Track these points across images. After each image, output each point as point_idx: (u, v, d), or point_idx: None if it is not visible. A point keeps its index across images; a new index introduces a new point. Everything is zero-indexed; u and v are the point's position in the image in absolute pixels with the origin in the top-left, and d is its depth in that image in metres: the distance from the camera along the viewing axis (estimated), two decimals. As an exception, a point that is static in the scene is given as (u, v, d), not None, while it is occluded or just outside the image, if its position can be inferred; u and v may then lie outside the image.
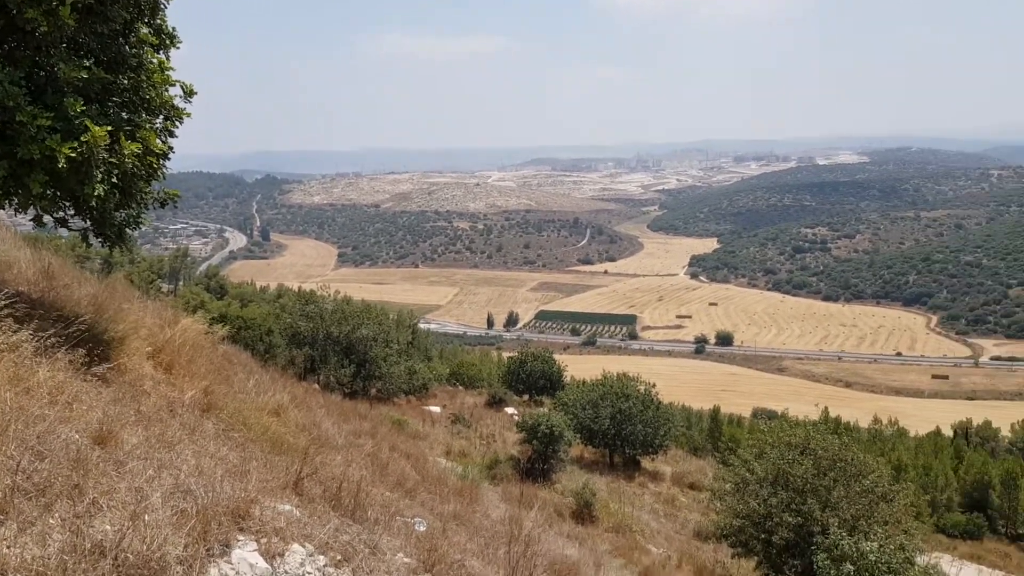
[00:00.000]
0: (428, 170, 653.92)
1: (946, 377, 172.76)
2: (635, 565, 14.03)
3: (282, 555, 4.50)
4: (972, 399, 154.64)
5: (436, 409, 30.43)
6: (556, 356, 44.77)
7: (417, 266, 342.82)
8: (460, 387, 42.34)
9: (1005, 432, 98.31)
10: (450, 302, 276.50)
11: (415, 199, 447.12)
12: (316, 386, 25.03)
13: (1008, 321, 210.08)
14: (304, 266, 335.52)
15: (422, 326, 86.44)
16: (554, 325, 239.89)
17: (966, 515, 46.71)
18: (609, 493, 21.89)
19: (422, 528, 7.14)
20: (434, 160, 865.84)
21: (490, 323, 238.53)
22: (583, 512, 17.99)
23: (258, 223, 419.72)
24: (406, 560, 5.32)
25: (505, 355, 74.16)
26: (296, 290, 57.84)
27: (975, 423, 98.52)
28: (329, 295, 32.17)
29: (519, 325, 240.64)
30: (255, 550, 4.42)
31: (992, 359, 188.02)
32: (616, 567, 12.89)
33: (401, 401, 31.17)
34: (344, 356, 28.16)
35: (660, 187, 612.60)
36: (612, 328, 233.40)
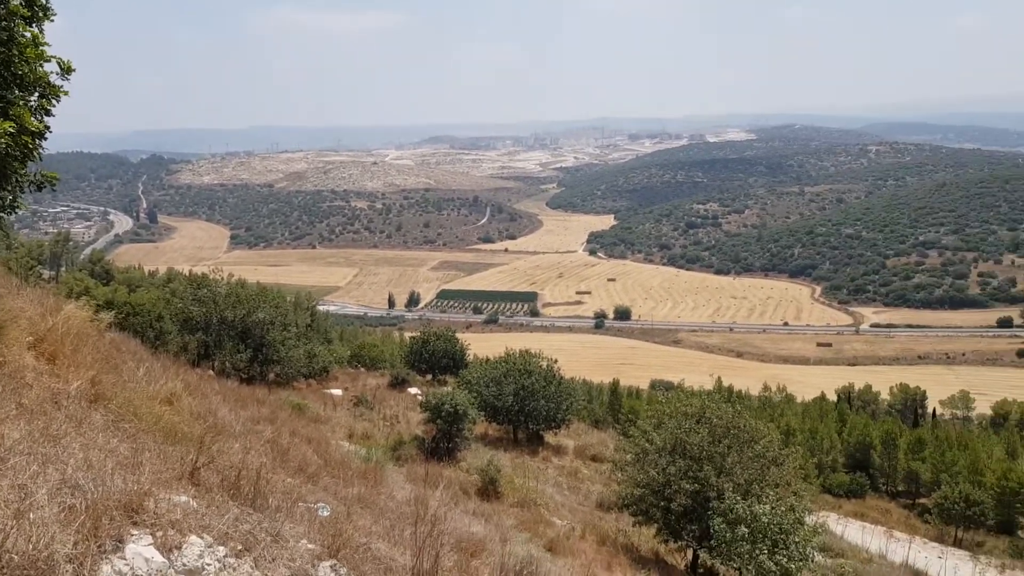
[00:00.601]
0: (323, 148, 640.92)
1: (830, 345, 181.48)
2: (540, 538, 14.25)
3: (179, 548, 4.36)
4: (854, 365, 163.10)
5: (338, 392, 30.03)
6: (459, 335, 44.81)
7: (314, 247, 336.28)
8: (362, 369, 41.89)
9: (884, 395, 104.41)
10: (349, 283, 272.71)
11: (310, 178, 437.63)
12: (211, 372, 24.31)
13: (886, 290, 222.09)
14: (195, 249, 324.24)
15: (321, 308, 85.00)
16: (456, 304, 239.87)
17: (850, 475, 49.38)
18: (514, 469, 22.12)
19: (326, 513, 7.05)
20: (329, 138, 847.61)
21: (391, 303, 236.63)
22: (488, 489, 18.12)
23: (145, 205, 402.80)
24: (310, 546, 5.24)
25: (407, 335, 73.75)
26: (187, 274, 55.83)
27: (857, 388, 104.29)
28: (222, 278, 31.21)
29: (421, 305, 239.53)
30: (150, 544, 4.27)
31: (872, 326, 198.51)
32: (522, 541, 13.06)
33: (301, 385, 30.62)
34: (240, 341, 27.42)
35: (558, 165, 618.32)
36: (514, 306, 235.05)
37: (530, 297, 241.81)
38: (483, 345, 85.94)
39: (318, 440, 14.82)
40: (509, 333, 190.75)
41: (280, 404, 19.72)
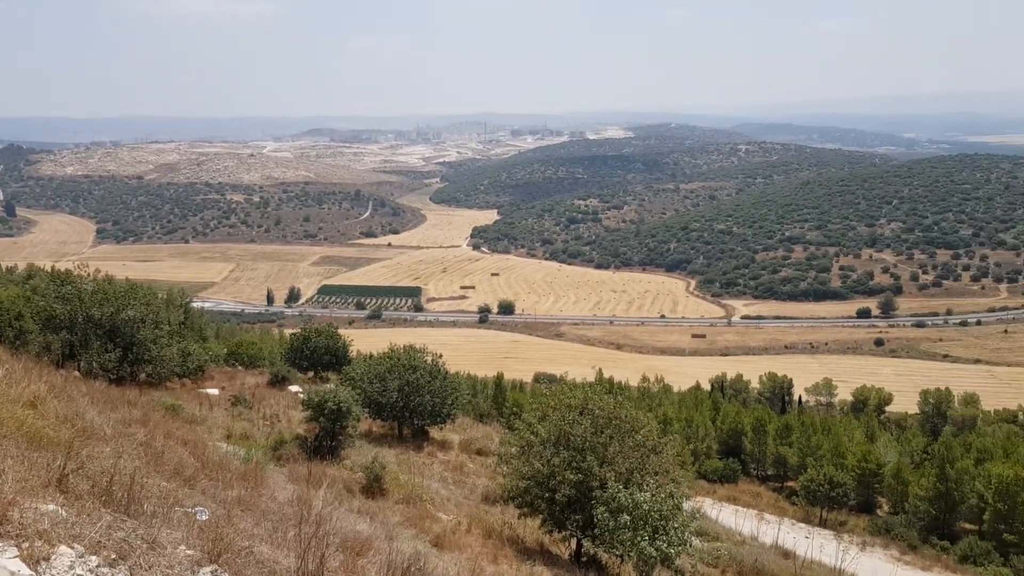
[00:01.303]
0: (197, 139, 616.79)
1: (704, 336, 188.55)
2: (426, 534, 14.22)
3: (48, 559, 4.13)
4: (726, 355, 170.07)
5: (214, 391, 29.04)
6: (341, 331, 44.12)
7: (188, 241, 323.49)
8: (240, 367, 40.62)
9: (754, 384, 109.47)
10: (226, 279, 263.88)
11: (183, 170, 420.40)
12: (77, 374, 23.05)
13: (755, 283, 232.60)
14: (58, 244, 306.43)
15: (195, 305, 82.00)
16: (338, 300, 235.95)
17: (723, 461, 51.48)
18: (399, 465, 21.98)
19: (205, 517, 6.82)
20: (201, 129, 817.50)
21: (270, 299, 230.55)
22: (373, 486, 17.94)
23: (1, 197, 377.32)
24: (189, 552, 5.06)
25: (287, 332, 72.11)
26: (49, 270, 52.68)
27: (729, 377, 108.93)
28: (88, 274, 29.58)
29: (301, 301, 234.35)
30: (16, 556, 4.03)
31: (743, 318, 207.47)
32: (408, 538, 13.01)
33: (175, 385, 29.46)
34: (108, 340, 26.09)
35: (441, 159, 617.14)
36: (398, 301, 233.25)
37: (414, 292, 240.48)
38: (367, 341, 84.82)
39: (194, 442, 14.29)
40: (393, 328, 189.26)
41: (153, 405, 18.90)
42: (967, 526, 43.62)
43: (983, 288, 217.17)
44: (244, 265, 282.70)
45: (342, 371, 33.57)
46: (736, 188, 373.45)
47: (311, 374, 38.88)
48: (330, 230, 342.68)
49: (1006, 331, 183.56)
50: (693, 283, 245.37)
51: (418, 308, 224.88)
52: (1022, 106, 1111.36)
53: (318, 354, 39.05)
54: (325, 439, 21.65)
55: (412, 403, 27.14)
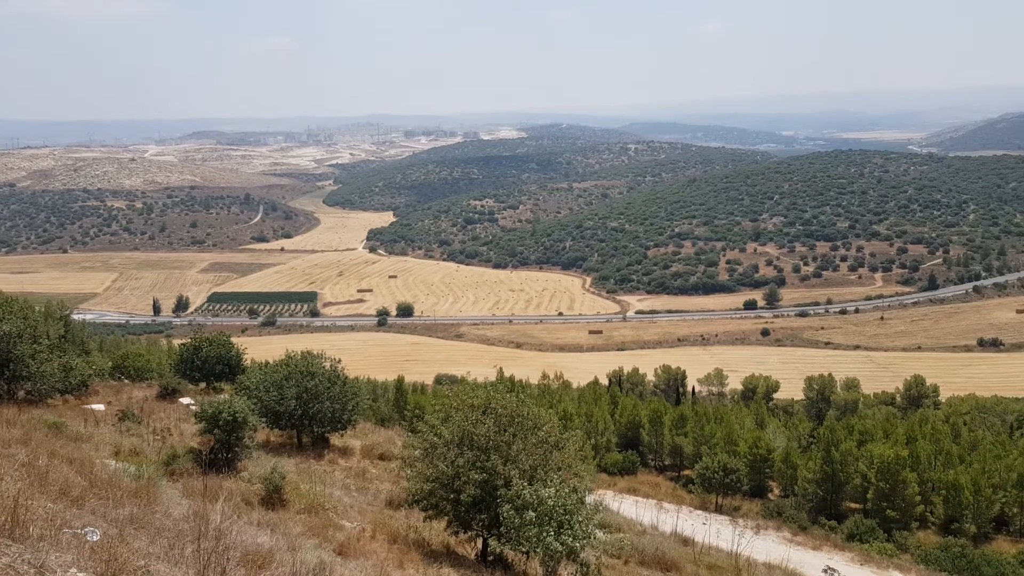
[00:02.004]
0: (73, 144, 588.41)
1: (600, 332, 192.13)
2: (330, 542, 13.99)
3: (-77, 593, 3.88)
4: (623, 350, 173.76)
5: (100, 407, 27.73)
6: (234, 339, 42.76)
7: (66, 251, 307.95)
8: (127, 381, 38.92)
9: (650, 377, 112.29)
10: (108, 289, 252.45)
11: (59, 176, 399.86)
12: (-53, 394, 21.61)
13: (648, 279, 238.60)
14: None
15: (76, 317, 78.18)
16: (230, 307, 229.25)
17: (623, 453, 52.62)
18: (299, 474, 21.52)
19: (96, 537, 6.53)
20: (78, 133, 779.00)
21: (157, 309, 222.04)
22: (273, 497, 17.50)
23: None
24: (81, 575, 4.84)
25: (176, 342, 69.51)
26: (-89, 285, 49.27)
27: (626, 371, 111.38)
28: (-44, 288, 27.77)
29: (190, 309, 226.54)
30: None
31: (637, 313, 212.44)
32: (311, 547, 12.76)
33: (57, 402, 27.97)
34: (-19, 357, 24.57)
35: (334, 161, 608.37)
36: (293, 307, 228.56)
37: (310, 297, 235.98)
38: (261, 349, 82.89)
39: (81, 460, 13.63)
40: (289, 335, 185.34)
41: (34, 424, 17.91)
42: (852, 505, 45.96)
43: (860, 278, 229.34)
44: (128, 274, 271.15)
45: (236, 381, 32.60)
46: (627, 186, 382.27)
47: (203, 385, 37.60)
48: (219, 236, 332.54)
49: (882, 318, 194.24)
50: (589, 280, 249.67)
51: (314, 313, 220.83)
52: (891, 104, 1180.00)
53: (210, 364, 37.77)
54: (221, 451, 20.97)
55: (311, 410, 26.60)
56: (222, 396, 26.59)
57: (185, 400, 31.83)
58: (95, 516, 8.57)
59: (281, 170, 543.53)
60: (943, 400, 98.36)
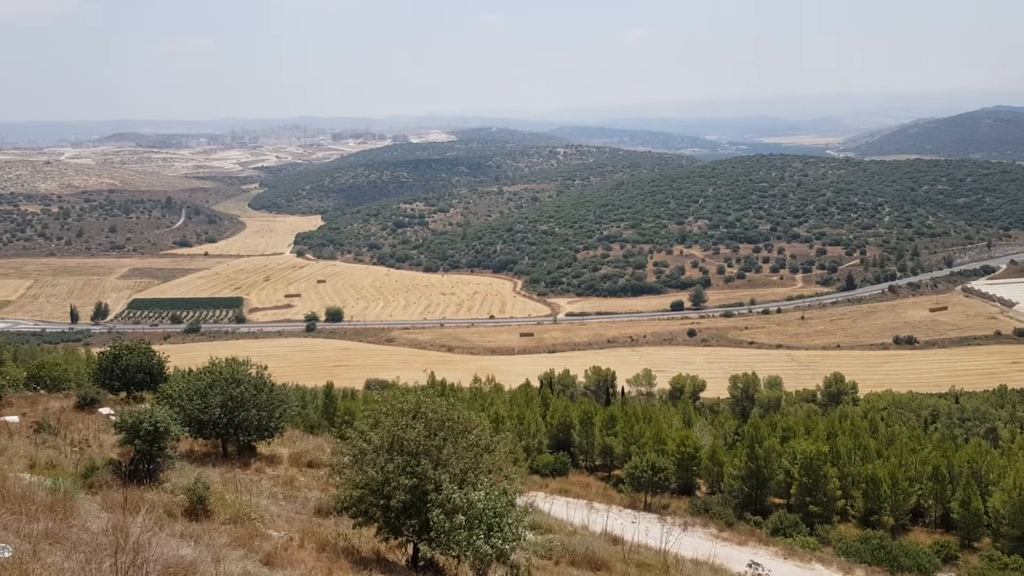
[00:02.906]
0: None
1: (532, 334, 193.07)
2: (256, 553, 13.73)
3: None
4: (554, 352, 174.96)
5: (13, 419, 26.66)
6: (156, 347, 41.59)
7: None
8: (43, 391, 37.56)
9: (581, 378, 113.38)
10: (22, 296, 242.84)
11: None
12: None
13: (578, 281, 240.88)
14: None
15: (-13, 326, 75.14)
16: (152, 314, 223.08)
17: (554, 455, 52.91)
18: (224, 484, 21.06)
19: (7, 554, 6.30)
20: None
21: (74, 317, 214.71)
22: (197, 508, 17.09)
23: None
24: (-11, 595, 4.66)
25: (95, 351, 67.28)
26: None
27: (557, 373, 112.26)
28: None
29: (110, 317, 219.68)
30: None
31: (567, 315, 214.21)
32: (236, 558, 12.51)
33: (-34, 415, 26.79)
34: None
35: (259, 164, 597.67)
36: (218, 313, 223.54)
37: (235, 303, 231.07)
38: (185, 356, 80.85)
39: (-9, 476, 13.09)
40: (214, 342, 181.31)
41: (-61, 439, 17.13)
42: (777, 500, 47.18)
43: (781, 278, 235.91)
44: (43, 281, 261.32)
45: (158, 389, 31.68)
46: (557, 190, 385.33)
47: (124, 395, 36.49)
48: (140, 240, 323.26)
49: (803, 317, 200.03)
50: (520, 283, 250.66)
51: (240, 319, 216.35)
52: (810, 110, 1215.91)
53: (130, 373, 36.65)
54: (142, 462, 20.39)
55: (236, 419, 26.03)
56: (143, 405, 25.85)
57: (105, 410, 30.85)
58: (7, 532, 8.26)
59: (205, 173, 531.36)
60: (861, 396, 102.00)
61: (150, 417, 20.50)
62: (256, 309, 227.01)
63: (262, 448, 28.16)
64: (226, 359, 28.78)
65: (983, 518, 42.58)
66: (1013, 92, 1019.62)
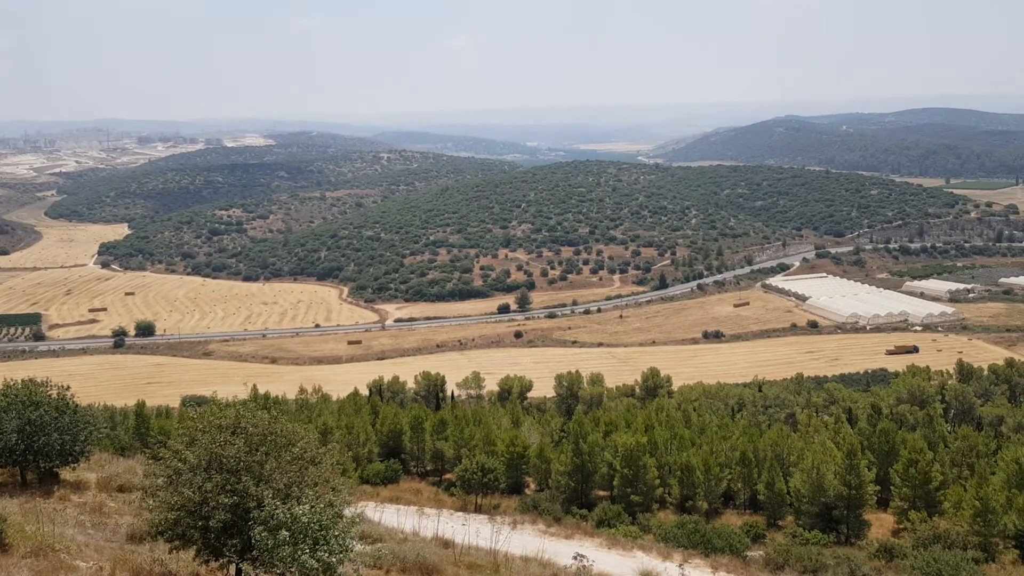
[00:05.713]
0: None
1: (359, 342, 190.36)
2: (62, 587, 12.84)
3: None
4: (383, 359, 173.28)
5: None
6: (-63, 371, 37.79)
7: None
8: None
9: (411, 384, 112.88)
10: None
11: None
12: None
13: (406, 287, 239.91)
14: None
15: None
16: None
17: (385, 463, 52.51)
18: (24, 515, 19.45)
19: None
20: None
21: None
22: (-8, 544, 15.74)
23: None
24: None
25: None
26: None
27: (386, 380, 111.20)
28: None
29: None
30: None
31: (396, 321, 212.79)
32: (39, 595, 11.66)
33: None
34: None
35: (57, 170, 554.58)
36: (12, 330, 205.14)
37: (32, 319, 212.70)
38: (-27, 380, 73.68)
39: None
40: (8, 362, 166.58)
41: None
42: (601, 493, 49.12)
43: (600, 279, 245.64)
44: None
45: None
46: (381, 195, 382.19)
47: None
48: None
49: (621, 316, 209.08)
50: (346, 290, 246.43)
51: (39, 337, 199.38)
52: (622, 118, 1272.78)
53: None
54: (-77, 499, 18.50)
55: (36, 444, 24.10)
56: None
57: None
58: None
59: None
60: (676, 389, 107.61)
61: (-68, 449, 18.65)
62: (57, 325, 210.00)
63: (66, 474, 26.23)
64: (23, 380, 26.60)
65: (786, 497, 46.27)
66: (799, 104, 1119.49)
